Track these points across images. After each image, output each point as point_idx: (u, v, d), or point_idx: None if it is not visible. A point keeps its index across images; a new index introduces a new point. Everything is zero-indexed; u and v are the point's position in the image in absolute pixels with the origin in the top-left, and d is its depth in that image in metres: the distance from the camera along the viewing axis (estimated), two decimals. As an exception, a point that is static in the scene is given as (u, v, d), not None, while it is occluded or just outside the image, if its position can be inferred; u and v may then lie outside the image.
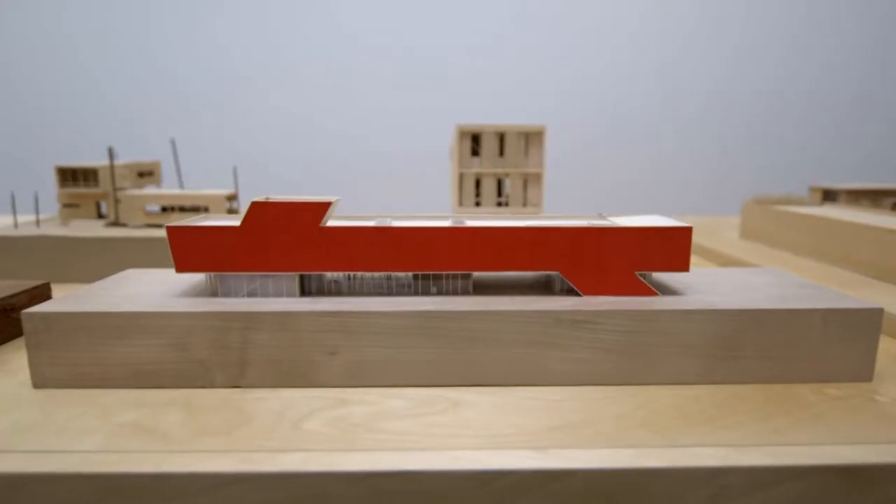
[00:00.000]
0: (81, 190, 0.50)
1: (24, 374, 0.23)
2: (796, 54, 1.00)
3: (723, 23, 0.98)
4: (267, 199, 0.24)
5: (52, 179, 0.52)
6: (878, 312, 0.22)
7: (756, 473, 0.17)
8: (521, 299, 0.23)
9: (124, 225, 0.47)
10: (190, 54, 0.96)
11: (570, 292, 0.24)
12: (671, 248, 0.23)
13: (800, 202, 0.59)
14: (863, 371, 0.23)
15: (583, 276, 0.24)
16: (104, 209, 0.52)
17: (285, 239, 0.23)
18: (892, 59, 1.00)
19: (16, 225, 0.45)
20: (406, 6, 0.95)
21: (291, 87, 0.97)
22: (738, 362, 0.23)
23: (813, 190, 0.65)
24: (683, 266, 0.24)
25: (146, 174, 0.56)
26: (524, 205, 0.47)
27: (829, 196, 0.63)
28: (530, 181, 0.46)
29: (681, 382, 0.23)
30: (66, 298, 0.23)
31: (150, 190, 0.55)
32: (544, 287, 0.26)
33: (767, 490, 0.17)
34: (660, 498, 0.17)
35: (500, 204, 0.48)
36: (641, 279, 0.24)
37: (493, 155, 0.47)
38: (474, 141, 0.46)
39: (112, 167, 0.49)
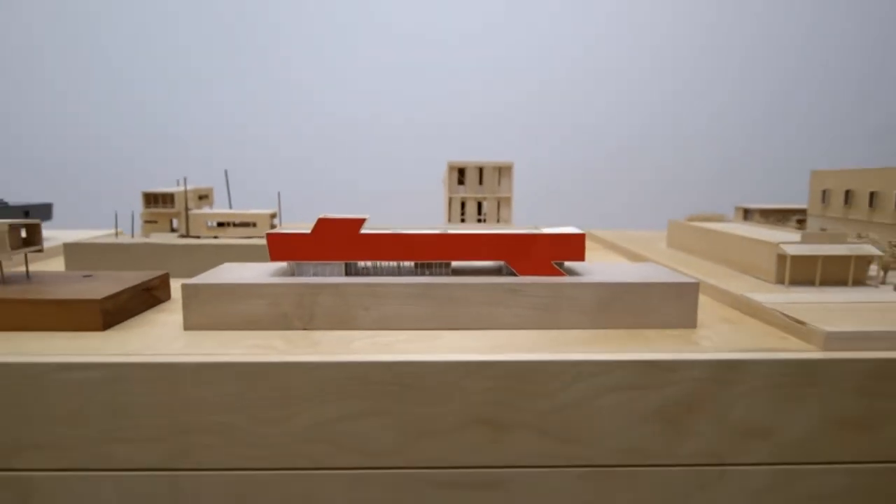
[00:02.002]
0: (160, 210, 0.65)
1: (176, 322, 0.38)
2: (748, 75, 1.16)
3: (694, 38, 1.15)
4: (325, 216, 0.38)
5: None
6: (696, 285, 0.37)
7: (599, 364, 0.31)
8: (481, 277, 0.38)
9: (196, 237, 0.62)
10: (232, 101, 1.12)
11: (511, 274, 0.39)
12: (572, 247, 0.38)
13: (720, 219, 0.74)
14: (689, 321, 0.37)
15: (519, 264, 0.38)
16: (175, 224, 0.67)
17: (336, 241, 0.38)
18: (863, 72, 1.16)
19: (117, 235, 0.60)
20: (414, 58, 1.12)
21: (308, 134, 1.13)
22: (611, 315, 0.37)
23: (737, 209, 0.80)
24: (580, 258, 0.38)
25: (203, 197, 0.72)
26: (498, 221, 0.61)
27: (747, 214, 0.78)
28: (502, 203, 0.61)
29: (575, 328, 0.37)
30: (202, 277, 0.38)
31: (206, 210, 0.70)
32: (496, 271, 0.40)
33: (604, 375, 0.32)
34: (550, 374, 0.31)
35: (479, 220, 0.62)
36: (555, 266, 0.38)
37: (474, 184, 0.62)
38: (460, 173, 0.61)
39: (185, 192, 0.64)
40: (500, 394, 0.32)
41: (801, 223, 0.74)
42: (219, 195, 0.76)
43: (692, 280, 0.37)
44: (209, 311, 0.36)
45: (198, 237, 0.62)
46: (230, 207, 0.71)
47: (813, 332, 0.34)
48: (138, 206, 0.65)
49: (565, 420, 0.32)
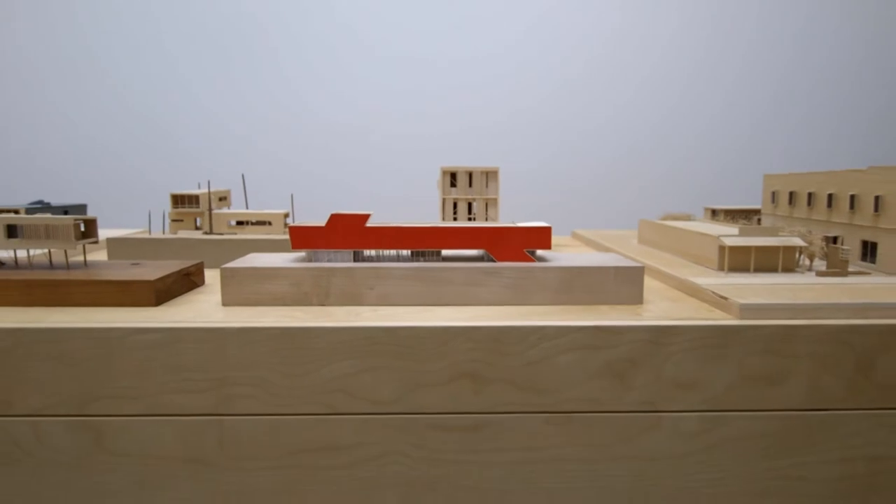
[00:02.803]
0: (187, 210, 0.73)
1: (214, 300, 0.46)
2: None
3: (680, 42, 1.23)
4: (337, 213, 0.46)
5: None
6: (641, 268, 0.45)
7: (559, 329, 0.39)
8: (465, 263, 0.46)
9: (220, 234, 0.70)
10: (244, 111, 1.20)
11: (490, 260, 0.47)
12: (540, 237, 0.46)
13: (687, 218, 0.82)
14: (636, 298, 0.45)
15: (496, 251, 0.46)
16: (199, 223, 0.75)
17: (346, 232, 0.46)
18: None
19: (150, 232, 0.68)
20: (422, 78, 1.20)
21: (314, 140, 1.22)
22: (572, 293, 0.45)
23: (706, 209, 0.88)
24: (547, 246, 0.46)
25: (223, 198, 0.80)
26: (486, 220, 0.69)
27: (714, 214, 0.86)
28: (490, 204, 0.69)
29: (542, 304, 0.45)
30: (236, 262, 0.46)
31: (226, 210, 0.78)
32: (479, 258, 0.48)
33: (563, 337, 0.39)
34: (519, 337, 0.39)
35: (470, 219, 0.70)
36: (527, 253, 0.46)
37: (465, 186, 0.70)
38: (452, 177, 0.69)
39: (209, 194, 0.72)
40: (479, 353, 0.39)
41: (760, 222, 0.82)
42: (234, 198, 0.84)
43: (638, 265, 0.45)
44: (243, 289, 0.44)
45: (220, 234, 0.70)
46: (246, 208, 0.80)
47: (731, 304, 0.42)
48: (167, 206, 0.73)
49: (532, 374, 0.40)
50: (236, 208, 0.82)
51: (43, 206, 0.71)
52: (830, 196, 0.60)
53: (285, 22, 1.21)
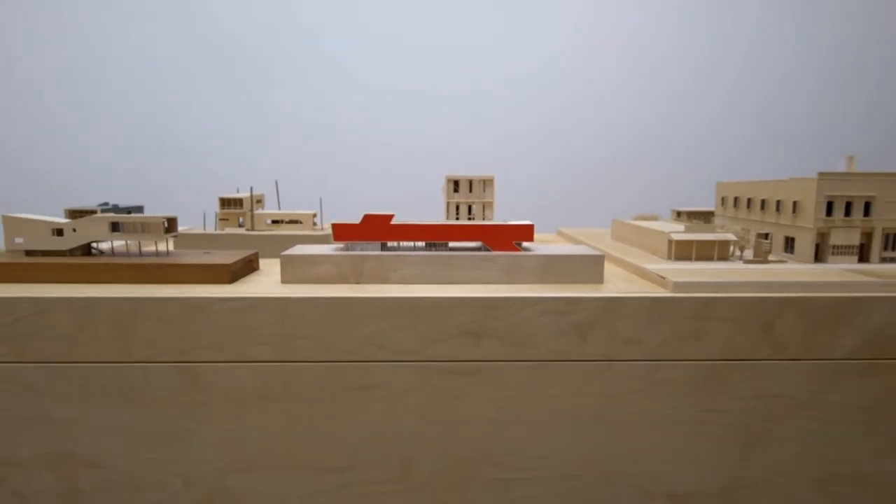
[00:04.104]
0: (232, 210, 0.86)
1: (272, 280, 0.60)
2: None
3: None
4: (369, 213, 0.60)
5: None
6: (602, 256, 0.59)
7: (537, 299, 0.53)
8: (467, 252, 0.60)
9: (260, 231, 0.84)
10: (282, 117, 1.34)
11: (486, 250, 0.61)
12: (525, 232, 0.60)
13: (654, 218, 0.96)
14: (598, 279, 0.59)
15: (491, 243, 0.60)
16: (241, 221, 0.88)
17: (376, 228, 0.60)
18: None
19: (204, 229, 0.82)
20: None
21: (334, 148, 1.36)
22: (549, 275, 0.59)
23: (672, 211, 1.02)
24: (531, 239, 0.60)
25: (259, 201, 0.93)
26: (483, 219, 0.83)
27: (679, 215, 1.00)
28: (486, 206, 0.83)
29: (525, 283, 0.59)
30: (290, 251, 0.60)
31: (262, 211, 0.91)
32: (478, 248, 0.62)
33: (540, 304, 0.53)
34: (507, 304, 0.53)
35: (470, 218, 0.84)
36: (516, 245, 0.60)
37: (466, 192, 0.83)
38: (455, 184, 0.83)
39: (252, 197, 0.86)
40: (477, 317, 0.53)
41: (713, 222, 0.95)
42: (266, 200, 0.98)
43: (600, 254, 0.59)
44: (297, 271, 0.58)
45: (260, 231, 0.84)
46: (279, 209, 0.93)
47: (668, 282, 0.56)
48: (205, 207, 0.87)
49: (517, 332, 0.53)
50: (269, 209, 0.96)
51: (111, 207, 0.85)
52: (763, 201, 0.74)
53: (318, 42, 1.36)
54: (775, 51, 1.40)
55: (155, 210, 1.20)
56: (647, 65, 1.40)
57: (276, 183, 0.92)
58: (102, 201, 0.93)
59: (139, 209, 0.91)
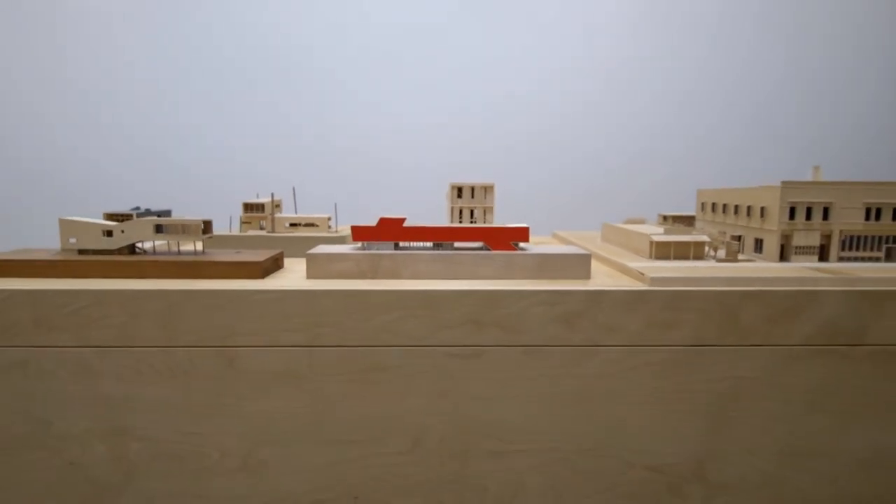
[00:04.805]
0: (254, 214, 0.94)
1: (298, 276, 0.67)
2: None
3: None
4: (383, 217, 0.68)
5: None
6: (589, 255, 0.67)
7: (532, 292, 0.61)
8: (470, 251, 0.68)
9: (279, 233, 0.92)
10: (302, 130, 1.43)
11: (487, 249, 0.69)
12: (521, 234, 0.68)
13: (641, 222, 1.04)
14: (585, 275, 0.67)
15: (491, 243, 0.68)
16: (262, 224, 0.96)
17: (389, 230, 0.68)
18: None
19: (230, 231, 0.90)
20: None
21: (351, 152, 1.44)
22: (542, 271, 0.67)
23: (659, 215, 1.10)
24: (526, 240, 0.68)
25: (277, 206, 1.01)
26: (484, 222, 0.91)
27: (665, 219, 1.08)
28: (487, 210, 0.91)
29: (521, 278, 0.67)
30: (314, 250, 0.68)
31: (281, 214, 0.99)
32: (480, 248, 0.70)
33: (534, 296, 0.61)
34: (505, 296, 0.61)
35: (472, 222, 0.92)
36: (513, 244, 0.68)
37: (468, 197, 0.91)
38: (459, 191, 0.91)
39: (272, 202, 0.94)
40: (479, 307, 0.61)
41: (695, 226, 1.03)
42: (283, 205, 1.06)
43: (587, 253, 0.67)
44: (321, 267, 0.66)
45: (280, 233, 0.92)
46: (296, 213, 1.01)
47: (645, 277, 0.63)
48: (225, 211, 0.95)
49: (513, 320, 0.61)
50: (286, 213, 1.04)
51: (144, 211, 0.93)
52: (736, 206, 0.82)
53: (337, 59, 1.44)
54: (758, 69, 1.49)
55: (179, 213, 1.29)
56: (637, 85, 1.48)
57: (294, 189, 1.00)
58: (134, 206, 1.01)
59: (167, 213, 0.99)
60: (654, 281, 0.62)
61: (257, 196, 1.02)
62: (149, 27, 1.42)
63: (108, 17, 1.41)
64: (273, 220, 0.93)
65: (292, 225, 0.95)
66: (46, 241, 1.34)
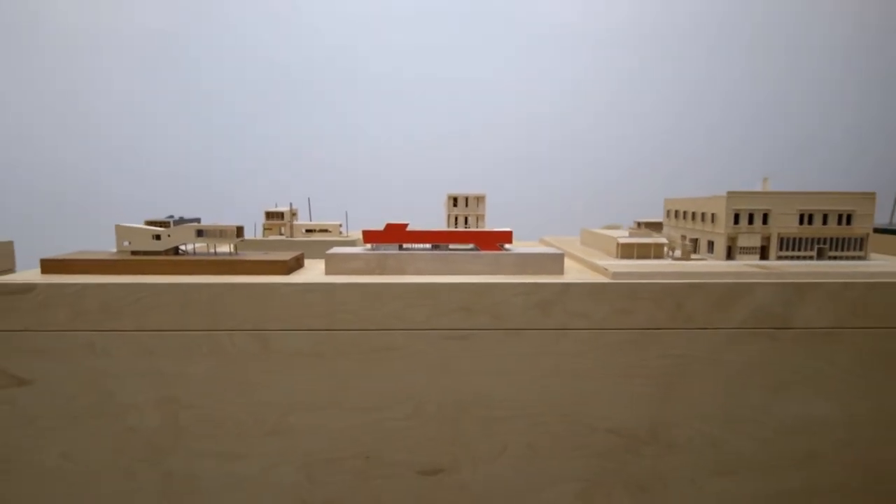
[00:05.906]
0: (275, 222, 1.07)
1: (317, 273, 0.80)
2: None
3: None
4: (390, 223, 0.81)
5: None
6: (562, 254, 0.80)
7: (514, 284, 0.74)
8: (463, 252, 0.80)
9: (298, 238, 1.05)
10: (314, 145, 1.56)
11: (477, 250, 0.82)
12: (505, 237, 0.81)
13: (617, 227, 1.17)
14: (559, 270, 0.80)
15: (481, 244, 0.81)
16: (282, 230, 1.09)
17: (395, 233, 0.81)
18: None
19: (255, 236, 1.03)
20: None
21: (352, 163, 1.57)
22: (524, 268, 0.80)
23: (635, 221, 1.23)
24: (510, 242, 0.81)
25: (294, 214, 1.15)
26: (476, 227, 1.04)
27: (640, 225, 1.21)
28: (479, 218, 1.04)
29: (506, 273, 0.80)
30: (331, 251, 0.81)
31: (297, 221, 1.12)
32: (471, 249, 0.83)
33: (516, 287, 0.74)
34: (492, 288, 0.74)
35: (466, 227, 1.05)
36: (499, 245, 0.81)
37: (463, 206, 1.04)
38: (454, 200, 1.04)
39: (290, 211, 1.07)
40: (470, 297, 0.74)
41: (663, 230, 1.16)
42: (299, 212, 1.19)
43: (561, 253, 0.80)
44: (337, 265, 0.79)
45: (298, 238, 1.05)
46: (310, 220, 1.14)
47: (608, 272, 0.76)
48: (248, 218, 1.08)
49: (498, 309, 0.74)
50: (302, 220, 1.17)
51: (179, 219, 1.06)
52: (693, 213, 0.95)
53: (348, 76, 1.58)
54: (755, 79, 1.62)
55: (207, 220, 1.42)
56: (618, 107, 1.62)
57: (308, 200, 1.13)
58: (169, 214, 1.14)
59: (197, 220, 1.12)
60: (615, 275, 0.75)
61: (276, 205, 1.15)
62: (175, 46, 1.55)
63: (141, 37, 1.55)
64: (292, 226, 1.06)
65: (308, 231, 1.08)
66: (87, 244, 1.47)
